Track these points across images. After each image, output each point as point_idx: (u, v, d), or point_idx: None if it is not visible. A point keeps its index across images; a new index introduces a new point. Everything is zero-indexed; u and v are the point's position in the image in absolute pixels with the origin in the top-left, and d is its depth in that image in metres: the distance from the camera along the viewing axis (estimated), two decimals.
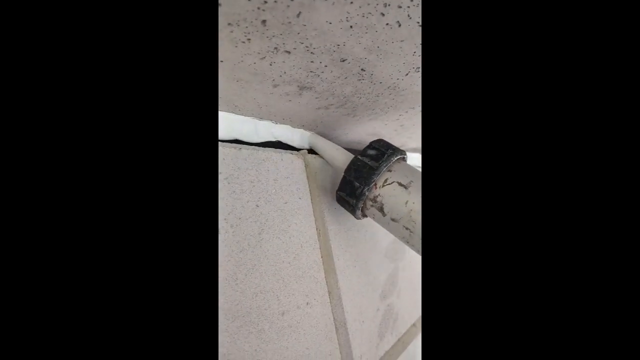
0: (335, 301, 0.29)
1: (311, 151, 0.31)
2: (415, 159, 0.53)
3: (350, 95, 0.24)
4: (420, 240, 0.24)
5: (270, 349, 0.22)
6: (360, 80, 0.22)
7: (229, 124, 0.23)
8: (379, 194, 0.26)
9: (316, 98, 0.23)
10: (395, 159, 0.26)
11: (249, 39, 0.15)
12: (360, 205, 0.27)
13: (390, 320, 0.38)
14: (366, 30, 0.16)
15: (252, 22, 0.14)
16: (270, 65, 0.17)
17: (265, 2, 0.13)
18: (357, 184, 0.26)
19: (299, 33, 0.15)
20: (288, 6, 0.13)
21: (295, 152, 0.29)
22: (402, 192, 0.25)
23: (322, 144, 0.30)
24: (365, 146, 0.27)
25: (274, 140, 0.28)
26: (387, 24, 0.16)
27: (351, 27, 0.15)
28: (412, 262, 0.46)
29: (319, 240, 0.29)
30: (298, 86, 0.21)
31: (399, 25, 0.16)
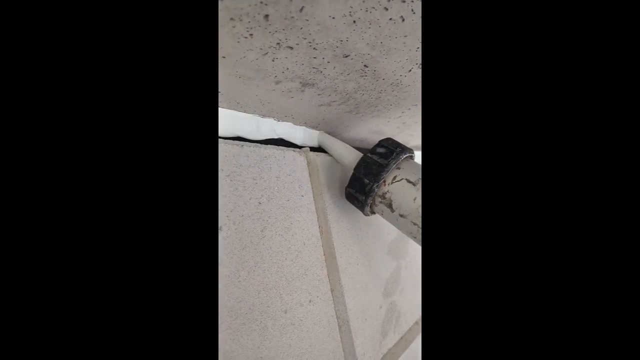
0: (338, 299, 0.29)
1: (313, 148, 0.31)
2: (418, 157, 0.53)
3: (353, 92, 0.24)
4: None
5: (273, 347, 0.22)
6: (363, 76, 0.22)
7: (231, 121, 0.23)
8: (387, 191, 0.26)
9: (318, 95, 0.23)
10: (404, 157, 0.26)
11: (251, 35, 0.15)
12: (370, 201, 0.27)
13: (393, 318, 0.38)
14: (369, 25, 0.16)
15: (254, 17, 0.14)
16: (273, 61, 0.17)
17: None
18: (366, 180, 0.26)
19: (301, 28, 0.15)
20: (291, 0, 0.13)
21: (298, 149, 0.29)
22: (410, 188, 0.25)
23: (331, 143, 0.31)
24: (372, 144, 0.28)
25: (276, 137, 0.28)
26: (390, 18, 0.16)
27: (354, 22, 0.15)
28: (414, 260, 0.46)
29: (321, 238, 0.29)
30: (300, 82, 0.20)
31: (403, 20, 0.16)
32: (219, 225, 0.20)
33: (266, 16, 0.14)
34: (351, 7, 0.14)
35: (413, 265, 0.45)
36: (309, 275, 0.26)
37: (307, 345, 0.25)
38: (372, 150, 0.27)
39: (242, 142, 0.23)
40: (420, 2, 0.15)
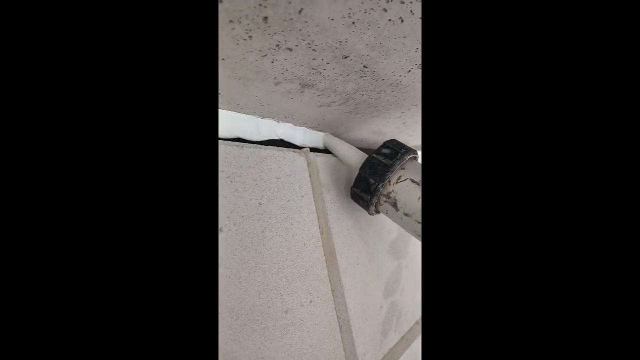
0: (338, 299, 0.29)
1: (313, 149, 0.31)
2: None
3: (353, 93, 0.24)
4: None
5: (274, 347, 0.22)
6: (362, 77, 0.22)
7: (231, 122, 0.23)
8: (392, 190, 0.27)
9: (318, 96, 0.23)
10: (408, 157, 0.27)
11: (250, 37, 0.15)
12: (375, 201, 0.28)
13: (394, 317, 0.38)
14: (368, 27, 0.16)
15: (253, 19, 0.14)
16: (272, 62, 0.17)
17: None
18: (371, 180, 0.27)
19: (300, 30, 0.15)
20: (290, 2, 0.13)
21: (298, 150, 0.29)
22: (414, 188, 0.26)
23: (336, 144, 0.31)
24: (372, 144, 0.28)
25: (276, 138, 0.28)
26: (389, 19, 0.16)
27: (353, 23, 0.15)
28: (415, 260, 0.46)
29: (321, 238, 0.29)
30: (300, 84, 0.21)
31: (402, 21, 0.16)
32: (220, 226, 0.20)
33: (265, 18, 0.14)
34: (350, 9, 0.14)
35: (413, 265, 0.45)
36: (309, 276, 0.27)
37: (308, 346, 0.25)
38: (378, 151, 0.28)
39: (242, 143, 0.24)
40: (420, 3, 0.15)
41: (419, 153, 0.53)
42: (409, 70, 0.22)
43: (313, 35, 0.16)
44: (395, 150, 0.27)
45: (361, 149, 0.32)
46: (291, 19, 0.14)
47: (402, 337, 0.40)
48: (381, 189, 0.27)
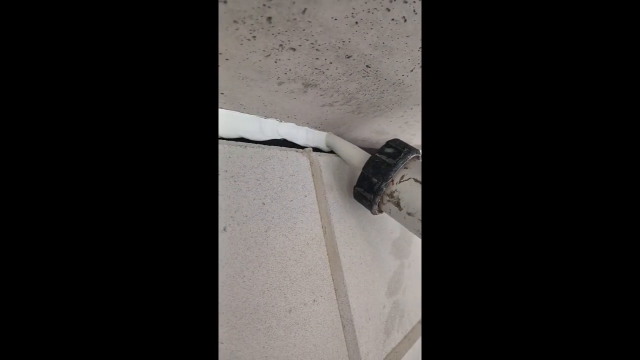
0: (341, 298, 0.29)
1: (316, 149, 0.31)
2: None
3: (355, 92, 0.24)
4: None
5: (278, 346, 0.22)
6: (365, 76, 0.22)
7: (234, 122, 0.24)
8: (395, 190, 0.27)
9: (321, 95, 0.23)
10: (411, 157, 0.27)
11: (254, 37, 0.15)
12: (378, 200, 0.28)
13: (397, 317, 0.38)
14: (371, 26, 0.16)
15: (257, 19, 0.14)
16: (276, 62, 0.17)
17: None
18: (375, 179, 0.27)
19: (304, 30, 0.15)
20: (293, 2, 0.13)
21: (301, 149, 0.29)
22: (417, 187, 0.26)
23: (339, 143, 0.31)
24: (374, 144, 0.28)
25: (279, 138, 0.28)
26: (392, 19, 0.16)
27: (356, 22, 0.15)
28: (417, 259, 0.46)
29: (324, 238, 0.29)
30: (303, 83, 0.21)
31: (405, 21, 0.16)
32: (224, 225, 0.20)
33: (269, 18, 0.14)
34: (353, 9, 0.14)
35: (416, 264, 0.45)
36: (312, 275, 0.27)
37: (312, 345, 0.25)
38: (381, 151, 0.28)
39: (245, 143, 0.24)
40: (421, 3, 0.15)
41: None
42: (412, 70, 0.22)
43: (316, 35, 0.16)
44: (398, 150, 0.27)
45: (363, 148, 0.32)
46: (295, 19, 0.14)
47: (405, 337, 0.40)
48: (384, 189, 0.27)
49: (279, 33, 0.15)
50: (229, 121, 0.23)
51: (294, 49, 0.17)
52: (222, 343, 0.19)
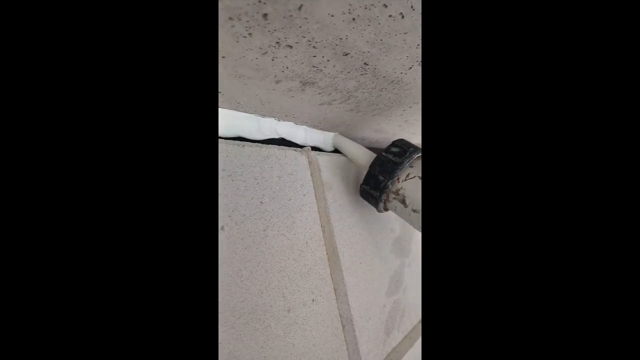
0: (341, 298, 0.29)
1: (315, 148, 0.31)
2: None
3: (354, 91, 0.24)
4: None
5: (277, 346, 0.22)
6: (363, 74, 0.21)
7: (232, 121, 0.23)
8: (401, 187, 0.28)
9: (319, 94, 0.23)
10: (416, 156, 0.28)
11: (250, 34, 0.15)
12: (384, 197, 0.29)
13: (397, 316, 0.38)
14: (369, 23, 0.16)
15: (253, 16, 0.14)
16: (272, 60, 0.17)
17: None
18: (381, 177, 0.28)
19: (300, 27, 0.15)
20: None
21: (299, 148, 0.29)
22: None
23: (346, 143, 0.32)
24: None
25: (277, 137, 0.28)
26: (390, 15, 0.16)
27: (354, 19, 0.15)
28: (418, 258, 0.46)
29: (323, 237, 0.29)
30: (300, 82, 0.20)
31: (402, 17, 0.16)
32: (222, 225, 0.20)
33: (265, 15, 0.14)
34: (350, 5, 0.14)
35: (416, 263, 0.45)
36: (311, 274, 0.26)
37: (311, 345, 0.25)
38: (387, 150, 0.29)
39: (243, 142, 0.23)
40: None
41: None
42: (410, 68, 0.22)
43: (313, 32, 0.16)
44: (404, 149, 0.28)
45: (375, 150, 0.32)
46: (291, 15, 0.14)
47: (406, 336, 0.40)
48: (390, 186, 0.28)
49: (275, 30, 0.15)
50: (226, 120, 0.23)
51: (290, 47, 0.16)
52: (220, 343, 0.19)
